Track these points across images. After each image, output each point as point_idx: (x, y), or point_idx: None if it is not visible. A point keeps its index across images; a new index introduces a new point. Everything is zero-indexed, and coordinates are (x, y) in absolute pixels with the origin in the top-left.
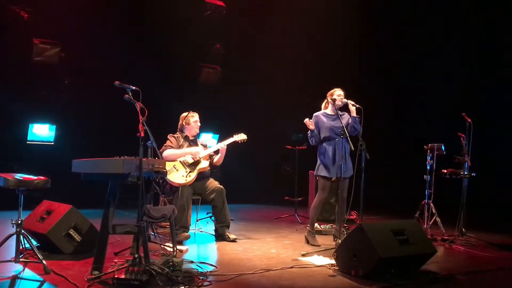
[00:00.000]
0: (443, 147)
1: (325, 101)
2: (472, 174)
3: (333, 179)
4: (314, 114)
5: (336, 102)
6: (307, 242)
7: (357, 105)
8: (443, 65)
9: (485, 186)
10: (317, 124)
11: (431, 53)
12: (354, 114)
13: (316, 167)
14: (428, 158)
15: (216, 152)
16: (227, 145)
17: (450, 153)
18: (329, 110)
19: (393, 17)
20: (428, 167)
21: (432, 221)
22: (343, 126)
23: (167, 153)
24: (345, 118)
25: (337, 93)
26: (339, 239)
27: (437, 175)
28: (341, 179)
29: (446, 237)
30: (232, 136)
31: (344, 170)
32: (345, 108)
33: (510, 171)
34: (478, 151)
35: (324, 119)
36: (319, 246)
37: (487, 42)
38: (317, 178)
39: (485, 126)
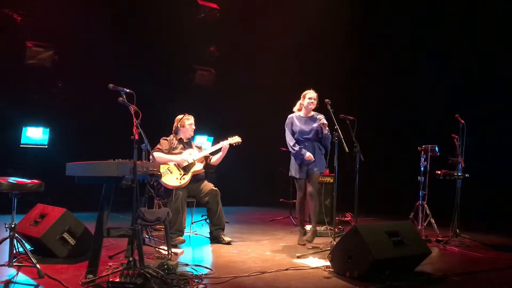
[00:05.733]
0: (436, 148)
1: (299, 102)
2: (466, 175)
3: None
4: (289, 116)
5: (305, 105)
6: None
7: (325, 122)
8: (437, 65)
9: (478, 187)
10: (290, 126)
11: (426, 54)
12: (325, 131)
13: (290, 167)
14: (422, 159)
15: (214, 152)
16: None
17: (444, 155)
18: (302, 112)
19: (386, 18)
20: (422, 169)
21: (426, 222)
22: (337, 128)
23: (155, 155)
24: (316, 122)
25: (308, 96)
26: (334, 240)
27: (431, 176)
28: (312, 174)
29: (441, 238)
30: (227, 139)
31: (313, 166)
32: (317, 110)
33: (504, 171)
34: (471, 152)
35: (297, 121)
36: (304, 244)
37: (482, 41)
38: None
39: (479, 128)
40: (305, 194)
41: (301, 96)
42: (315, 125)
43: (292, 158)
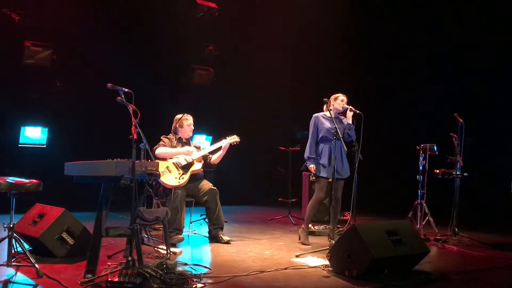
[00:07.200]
0: (435, 148)
1: (325, 105)
2: (464, 174)
3: (329, 180)
4: (314, 115)
5: (336, 106)
6: (299, 238)
7: (357, 111)
8: (435, 65)
9: (477, 186)
10: (316, 125)
11: (424, 54)
12: (349, 121)
13: (315, 167)
14: (421, 158)
15: (213, 152)
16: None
17: (443, 154)
18: (329, 113)
19: (385, 16)
20: (420, 168)
21: (425, 221)
22: (336, 127)
23: (160, 150)
24: (343, 122)
25: (340, 98)
26: (333, 239)
27: (430, 175)
28: (335, 179)
29: (439, 237)
30: (225, 138)
31: (340, 171)
32: (345, 113)
33: (501, 170)
34: (470, 151)
35: (323, 120)
36: (309, 245)
37: (478, 43)
38: (314, 178)
39: (477, 127)
40: (324, 195)
41: (331, 98)
42: (341, 125)
43: (317, 157)
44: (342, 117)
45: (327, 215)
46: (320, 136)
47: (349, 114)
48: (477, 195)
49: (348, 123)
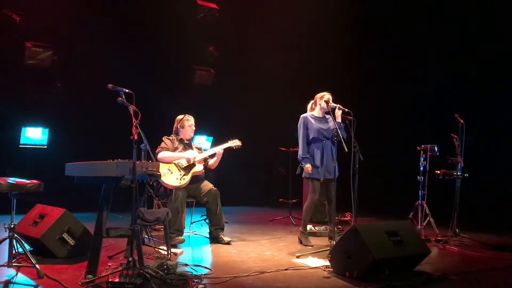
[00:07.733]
0: (436, 148)
1: (311, 102)
2: (465, 174)
3: (321, 181)
4: (302, 116)
5: (323, 106)
6: (300, 242)
7: (346, 109)
8: (435, 65)
9: (478, 187)
10: (306, 125)
11: (424, 54)
12: (339, 119)
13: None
14: (422, 159)
15: (212, 155)
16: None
17: (443, 154)
18: (316, 113)
19: (385, 17)
20: (421, 168)
21: (425, 222)
22: (336, 128)
23: (163, 155)
24: (331, 121)
25: (327, 97)
26: (333, 240)
27: (431, 176)
28: (328, 180)
29: (440, 238)
30: (227, 142)
31: (331, 171)
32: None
33: (502, 171)
34: (470, 152)
35: (312, 120)
36: (312, 246)
37: (477, 43)
38: (307, 180)
39: (478, 127)
40: (318, 196)
41: (317, 97)
42: (331, 124)
43: (310, 158)
44: (328, 117)
45: (327, 215)
46: (310, 137)
47: (338, 112)
48: (478, 196)
49: (337, 122)
